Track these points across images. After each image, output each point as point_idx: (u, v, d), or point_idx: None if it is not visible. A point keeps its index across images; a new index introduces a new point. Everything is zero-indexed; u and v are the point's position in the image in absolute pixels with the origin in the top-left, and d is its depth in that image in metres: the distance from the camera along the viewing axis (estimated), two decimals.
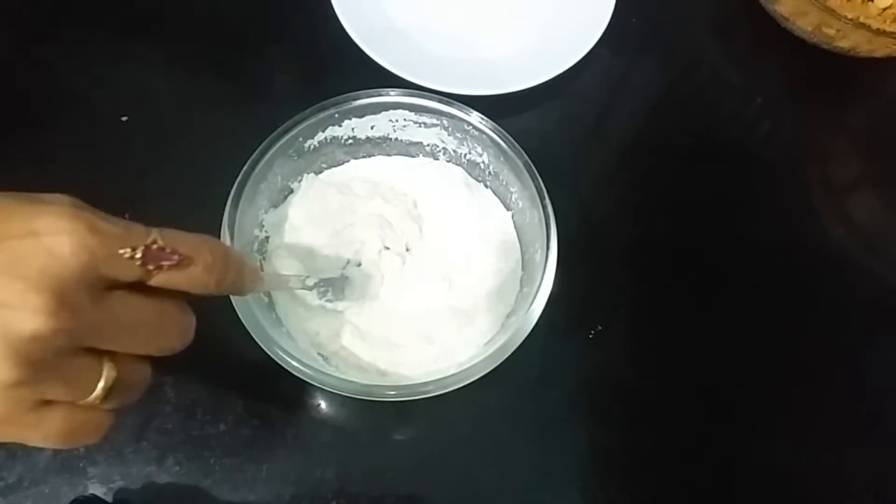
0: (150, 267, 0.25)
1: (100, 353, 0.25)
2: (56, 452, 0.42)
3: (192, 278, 0.27)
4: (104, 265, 0.24)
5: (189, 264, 0.26)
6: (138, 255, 0.25)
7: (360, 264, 0.44)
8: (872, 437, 0.48)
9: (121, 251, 0.24)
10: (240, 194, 0.40)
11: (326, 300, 0.42)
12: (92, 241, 0.24)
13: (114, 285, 0.25)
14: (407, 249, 0.45)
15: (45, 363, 0.23)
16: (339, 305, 0.42)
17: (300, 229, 0.44)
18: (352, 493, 0.42)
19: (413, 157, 0.48)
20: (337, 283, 0.42)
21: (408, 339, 0.43)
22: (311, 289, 0.40)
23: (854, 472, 0.46)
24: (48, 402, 0.24)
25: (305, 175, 0.46)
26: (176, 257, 0.26)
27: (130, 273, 0.25)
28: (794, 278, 0.52)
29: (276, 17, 0.42)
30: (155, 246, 0.25)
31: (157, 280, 0.26)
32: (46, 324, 0.22)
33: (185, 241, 0.26)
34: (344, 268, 0.43)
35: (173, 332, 0.27)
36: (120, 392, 0.26)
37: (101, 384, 0.25)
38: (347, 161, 0.47)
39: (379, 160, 0.47)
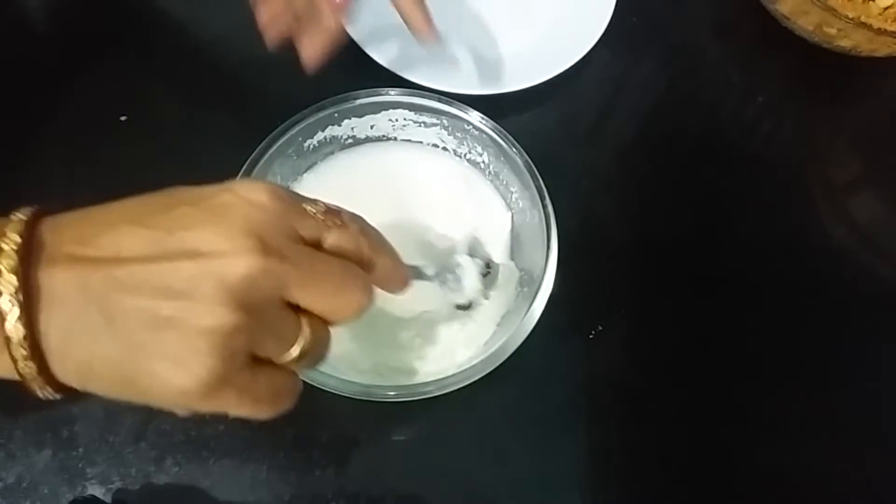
0: (329, 223, 0.27)
1: (297, 311, 0.26)
2: (55, 453, 0.41)
3: (353, 239, 0.28)
4: (295, 216, 0.26)
5: (348, 225, 0.28)
6: (321, 208, 0.28)
7: (487, 262, 0.43)
8: (874, 438, 0.48)
9: (306, 206, 0.27)
10: None
11: (451, 294, 0.41)
12: (284, 194, 0.26)
13: (304, 243, 0.27)
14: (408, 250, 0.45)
15: (258, 309, 0.24)
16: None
17: None
18: (351, 493, 0.42)
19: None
20: (455, 274, 0.41)
21: (408, 340, 0.43)
22: (429, 278, 0.39)
23: (854, 471, 0.46)
24: (256, 363, 0.25)
25: (305, 175, 0.45)
26: (342, 216, 0.28)
27: (314, 229, 0.27)
28: (795, 278, 0.52)
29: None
30: (325, 206, 0.28)
31: (331, 240, 0.27)
32: (257, 264, 0.24)
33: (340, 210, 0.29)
34: (464, 258, 0.42)
35: (356, 288, 0.28)
36: (312, 352, 0.27)
37: (301, 340, 0.26)
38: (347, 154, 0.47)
39: (383, 151, 0.47)
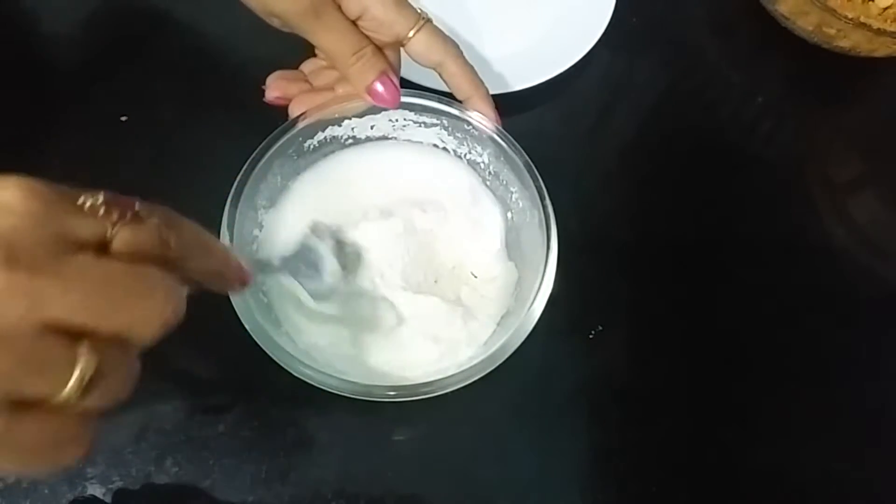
0: (114, 218, 0.22)
1: (74, 337, 0.21)
2: None
3: (150, 236, 0.23)
4: (63, 216, 0.21)
5: (148, 217, 0.24)
6: (100, 201, 0.22)
7: (338, 241, 0.42)
8: (873, 438, 0.48)
9: (80, 200, 0.22)
10: (239, 194, 0.40)
11: (307, 282, 0.40)
12: (44, 191, 0.21)
13: (78, 248, 0.22)
14: (407, 249, 0.45)
15: (6, 339, 0.19)
16: (326, 293, 0.41)
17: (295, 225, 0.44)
18: (351, 493, 0.42)
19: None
20: (308, 260, 0.40)
21: (408, 340, 0.42)
22: (278, 270, 0.39)
23: (855, 471, 0.46)
24: (20, 406, 0.20)
25: (303, 174, 0.45)
26: (137, 205, 0.23)
27: (93, 227, 0.22)
28: (795, 278, 0.52)
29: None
30: (111, 197, 0.23)
31: (119, 239, 0.22)
32: (1, 288, 0.19)
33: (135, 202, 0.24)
34: (311, 240, 0.41)
35: (152, 296, 0.22)
36: (101, 385, 0.21)
37: (76, 372, 0.21)
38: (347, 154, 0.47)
39: (382, 150, 0.47)
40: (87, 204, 0.22)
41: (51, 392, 0.20)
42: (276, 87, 0.43)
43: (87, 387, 0.21)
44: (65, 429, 0.21)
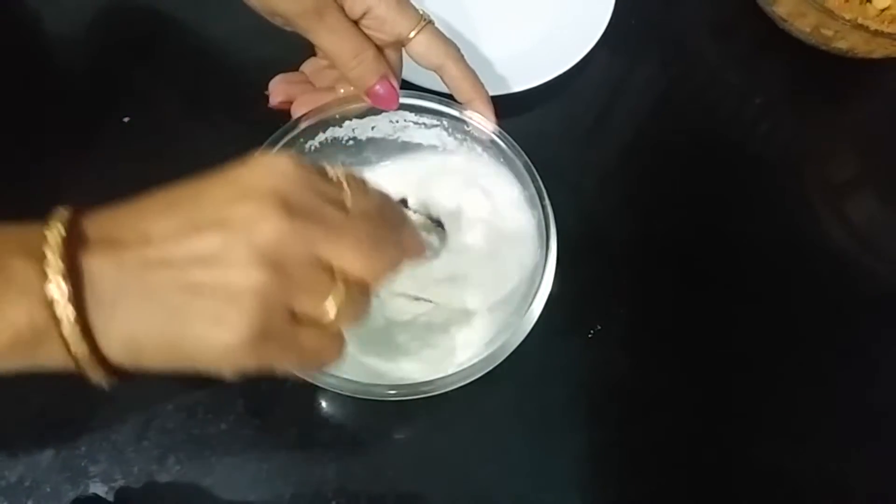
0: (352, 187, 0.29)
1: (330, 273, 0.27)
2: (57, 452, 0.42)
3: (377, 203, 0.30)
4: (319, 180, 0.28)
5: (370, 191, 0.31)
6: (344, 174, 0.29)
7: None
8: (873, 437, 0.48)
9: (329, 172, 0.29)
10: None
11: None
12: (305, 162, 0.28)
13: (331, 206, 0.28)
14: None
15: (289, 268, 0.26)
16: None
17: None
18: (352, 492, 0.42)
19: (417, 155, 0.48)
20: None
21: (408, 339, 0.43)
22: None
23: (855, 471, 0.47)
24: (297, 321, 0.27)
25: None
26: (365, 182, 0.30)
27: (338, 192, 0.29)
28: (794, 278, 0.52)
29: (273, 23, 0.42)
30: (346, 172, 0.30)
31: (355, 203, 0.29)
32: (284, 225, 0.26)
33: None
34: None
35: (386, 246, 0.29)
36: (349, 310, 0.28)
37: (335, 296, 0.27)
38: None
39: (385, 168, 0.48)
40: (334, 175, 0.29)
41: (317, 309, 0.27)
42: (279, 92, 0.43)
43: (340, 308, 0.27)
44: (326, 338, 0.28)
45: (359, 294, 0.28)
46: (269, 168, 0.27)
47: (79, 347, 0.25)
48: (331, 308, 0.27)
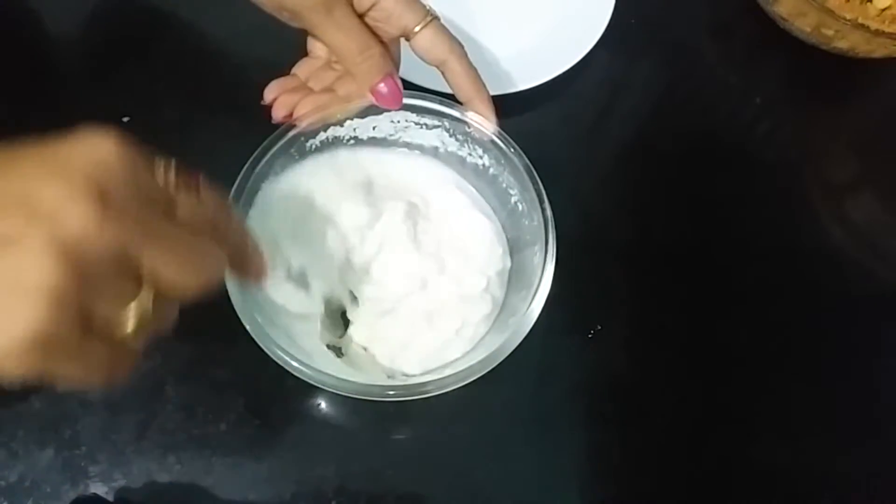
0: (183, 189, 0.26)
1: (138, 279, 0.25)
2: (57, 452, 0.42)
3: (208, 211, 0.27)
4: (145, 176, 0.25)
5: (205, 196, 0.28)
6: (172, 168, 0.26)
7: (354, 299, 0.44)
8: (873, 437, 0.48)
9: (159, 168, 0.26)
10: (240, 194, 0.40)
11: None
12: (133, 151, 0.25)
13: (152, 204, 0.25)
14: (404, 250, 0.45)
15: (90, 268, 0.23)
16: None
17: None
18: (352, 491, 0.43)
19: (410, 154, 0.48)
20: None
21: (406, 340, 0.43)
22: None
23: (855, 471, 0.47)
24: (89, 333, 0.24)
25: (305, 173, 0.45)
26: (200, 185, 0.27)
27: (165, 193, 0.26)
28: (794, 278, 0.52)
29: (277, 18, 0.42)
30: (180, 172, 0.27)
31: (183, 207, 0.26)
32: (94, 220, 0.22)
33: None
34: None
35: (205, 261, 0.27)
36: (149, 325, 0.26)
37: (135, 305, 0.25)
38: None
39: (370, 155, 0.47)
40: (161, 169, 0.26)
41: (113, 315, 0.25)
42: (281, 106, 0.43)
43: (140, 322, 0.25)
44: (118, 353, 0.26)
45: (163, 309, 0.26)
46: (91, 148, 0.24)
47: None
48: (130, 319, 0.25)
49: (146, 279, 0.25)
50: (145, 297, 0.25)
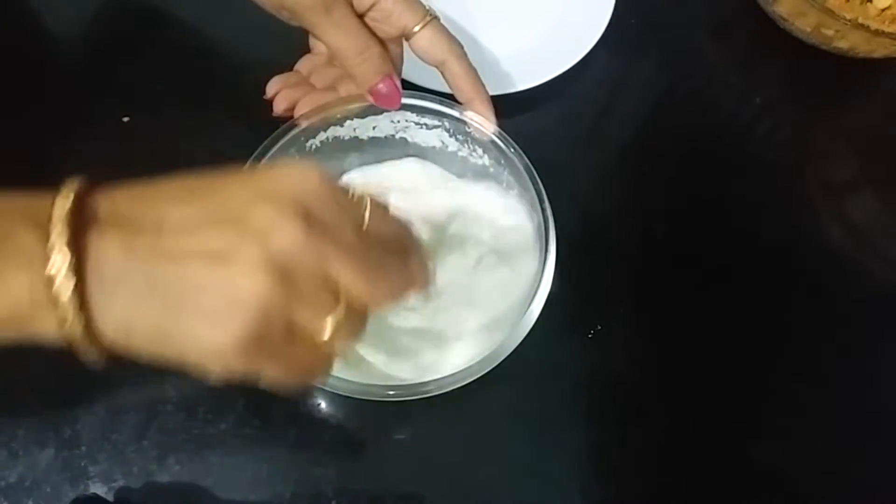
0: (366, 210, 0.28)
1: (335, 292, 0.27)
2: (57, 452, 0.42)
3: (394, 231, 0.30)
4: (342, 198, 0.28)
5: (390, 217, 0.30)
6: (362, 195, 0.29)
7: None
8: (873, 437, 0.48)
9: (350, 190, 0.29)
10: None
11: None
12: (331, 177, 0.28)
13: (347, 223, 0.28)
14: None
15: (296, 280, 0.25)
16: None
17: None
18: (352, 491, 0.42)
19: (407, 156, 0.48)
20: None
21: (406, 340, 0.43)
22: None
23: (854, 471, 0.47)
24: (291, 338, 0.26)
25: None
26: (387, 207, 0.30)
27: (359, 212, 0.28)
28: (794, 278, 0.52)
29: (278, 18, 0.42)
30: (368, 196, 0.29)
31: (373, 226, 0.28)
32: (301, 236, 0.25)
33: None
34: None
35: (396, 274, 0.29)
36: (345, 331, 0.27)
37: (333, 316, 0.27)
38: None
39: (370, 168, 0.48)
40: (354, 195, 0.29)
41: (315, 326, 0.27)
42: (282, 99, 0.43)
43: (337, 328, 0.27)
44: (316, 356, 0.28)
45: (356, 318, 0.28)
46: (296, 176, 0.27)
47: (74, 322, 0.24)
48: (327, 328, 0.27)
49: (342, 293, 0.27)
50: (341, 310, 0.27)
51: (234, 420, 0.43)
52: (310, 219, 0.25)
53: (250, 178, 0.27)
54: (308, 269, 0.25)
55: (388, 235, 0.29)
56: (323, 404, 0.45)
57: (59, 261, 0.23)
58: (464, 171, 0.48)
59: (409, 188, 0.47)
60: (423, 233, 0.46)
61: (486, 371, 0.37)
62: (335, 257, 0.26)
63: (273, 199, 0.26)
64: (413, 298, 0.32)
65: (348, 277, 0.27)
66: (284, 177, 0.27)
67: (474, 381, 0.37)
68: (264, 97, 0.43)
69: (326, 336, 0.27)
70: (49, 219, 0.24)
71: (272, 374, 0.27)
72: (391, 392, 0.37)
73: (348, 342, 0.29)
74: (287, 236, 0.25)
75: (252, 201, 0.26)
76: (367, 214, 0.28)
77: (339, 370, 0.40)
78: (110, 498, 0.41)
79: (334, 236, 0.26)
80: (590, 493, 0.45)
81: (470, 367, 0.37)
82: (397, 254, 0.30)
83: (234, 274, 0.25)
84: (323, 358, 0.29)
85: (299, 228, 0.25)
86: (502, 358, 0.38)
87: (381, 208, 0.29)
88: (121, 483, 0.42)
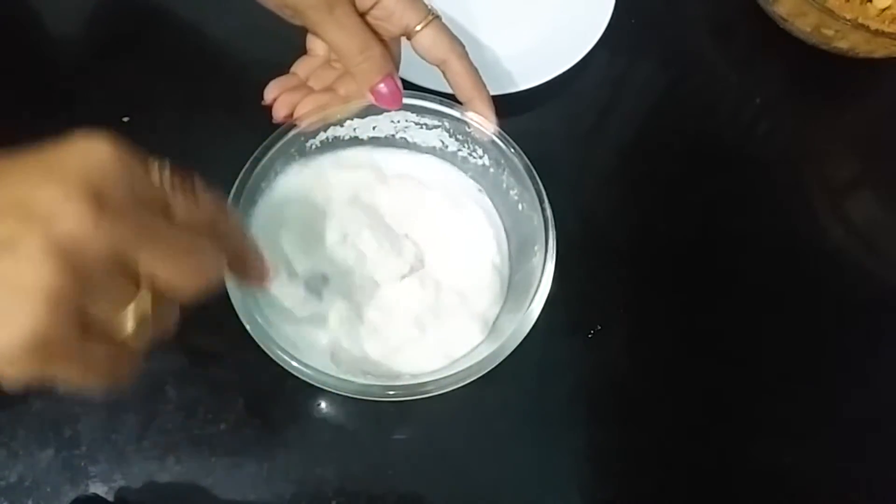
0: (178, 189, 0.26)
1: (135, 280, 0.25)
2: (57, 452, 0.42)
3: (205, 212, 0.27)
4: (140, 176, 0.25)
5: (201, 197, 0.27)
6: (167, 169, 0.26)
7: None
8: (872, 437, 0.48)
9: (154, 170, 0.26)
10: (240, 194, 0.40)
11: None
12: (127, 153, 0.25)
13: (148, 205, 0.25)
14: (403, 251, 0.45)
15: (88, 270, 0.23)
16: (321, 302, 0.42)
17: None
18: (352, 491, 0.43)
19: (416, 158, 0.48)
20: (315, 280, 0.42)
21: (406, 340, 0.43)
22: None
23: (854, 471, 0.47)
24: (88, 332, 0.24)
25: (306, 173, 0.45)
26: (195, 185, 0.27)
27: (161, 192, 0.26)
28: (793, 278, 0.52)
29: (278, 17, 0.42)
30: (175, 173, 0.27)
31: (183, 207, 0.26)
32: (90, 221, 0.22)
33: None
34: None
35: (203, 260, 0.27)
36: (149, 325, 0.26)
37: (133, 306, 0.25)
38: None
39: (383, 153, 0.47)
40: (157, 170, 0.26)
41: (112, 316, 0.25)
42: (282, 105, 0.43)
43: (140, 322, 0.25)
44: (118, 355, 0.26)
45: (163, 310, 0.26)
46: (86, 151, 0.24)
47: None
48: (129, 320, 0.25)
49: (144, 280, 0.25)
50: (144, 299, 0.25)
51: (233, 420, 0.43)
52: (100, 199, 0.23)
53: (36, 157, 0.24)
54: (98, 254, 0.23)
55: (199, 219, 0.27)
56: (323, 404, 0.45)
57: None
58: (464, 170, 0.48)
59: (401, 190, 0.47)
60: (420, 229, 0.46)
61: (487, 371, 0.37)
62: (132, 239, 0.24)
63: (60, 180, 0.23)
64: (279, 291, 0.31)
65: (149, 263, 0.24)
66: (74, 154, 0.24)
67: (474, 381, 0.37)
68: (262, 103, 0.43)
69: (128, 329, 0.25)
70: None
71: (69, 376, 0.24)
72: (391, 392, 0.37)
73: (155, 337, 0.26)
74: (73, 220, 0.22)
75: (38, 182, 0.23)
76: (173, 195, 0.26)
77: (337, 370, 0.40)
78: (110, 498, 0.41)
79: (129, 217, 0.24)
80: (590, 493, 0.45)
81: (470, 367, 0.37)
82: (209, 236, 0.27)
83: (16, 265, 0.22)
84: (127, 356, 0.26)
85: (87, 210, 0.23)
86: (502, 358, 0.38)
87: (189, 186, 0.27)
88: (121, 483, 0.42)
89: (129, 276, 0.25)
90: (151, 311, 0.25)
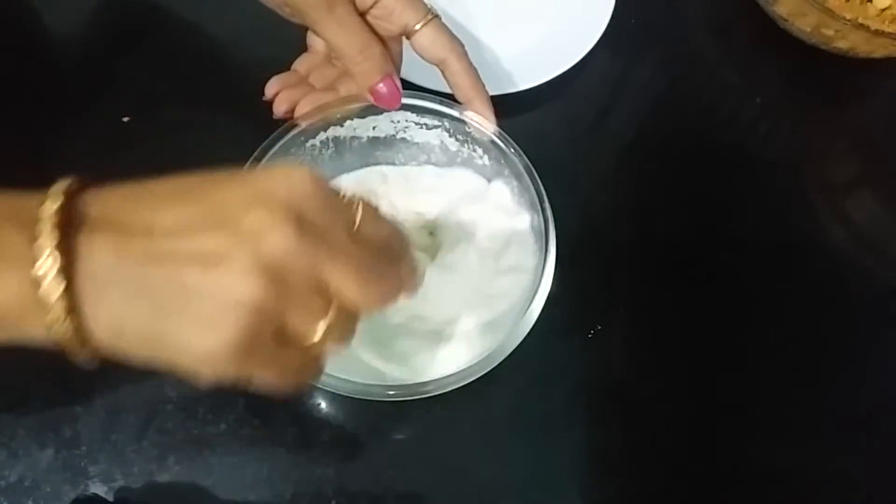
0: (359, 214, 0.28)
1: (327, 296, 0.27)
2: (57, 452, 0.42)
3: (385, 234, 0.30)
4: (334, 201, 0.28)
5: (382, 221, 0.30)
6: (358, 199, 0.29)
7: None
8: (872, 437, 0.48)
9: (341, 193, 0.28)
10: None
11: None
12: (324, 180, 0.27)
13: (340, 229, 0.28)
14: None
15: (288, 285, 0.25)
16: None
17: None
18: (352, 492, 0.42)
19: (416, 158, 0.48)
20: None
21: (406, 340, 0.43)
22: None
23: (854, 471, 0.47)
24: (282, 339, 0.26)
25: None
26: (378, 211, 0.30)
27: (351, 215, 0.28)
28: (794, 278, 0.52)
29: (278, 17, 0.42)
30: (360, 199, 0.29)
31: (368, 231, 0.28)
32: (293, 241, 0.25)
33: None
34: None
35: (388, 278, 0.29)
36: (336, 335, 0.27)
37: (324, 321, 0.27)
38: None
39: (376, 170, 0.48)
40: (346, 198, 0.28)
41: (307, 330, 0.27)
42: (282, 101, 0.43)
43: (328, 332, 0.27)
44: (307, 360, 0.28)
45: (347, 322, 0.28)
46: (288, 178, 0.26)
47: (64, 325, 0.24)
48: (318, 331, 0.27)
49: (334, 297, 0.27)
50: (332, 312, 0.27)
51: (234, 420, 0.43)
52: (302, 222, 0.25)
53: (243, 180, 0.27)
54: (300, 272, 0.25)
55: (379, 238, 0.29)
56: (323, 404, 0.45)
57: (48, 263, 0.23)
58: (464, 170, 0.48)
59: (401, 191, 0.47)
60: (420, 235, 0.46)
61: (487, 371, 0.37)
62: (327, 261, 0.26)
63: (266, 202, 0.25)
64: (403, 300, 0.32)
65: (339, 281, 0.26)
66: (277, 179, 0.26)
67: (474, 381, 0.37)
68: (263, 98, 0.43)
69: (317, 339, 0.27)
70: (36, 219, 0.24)
71: (263, 377, 0.27)
72: (391, 392, 0.37)
73: (338, 345, 0.28)
74: (279, 240, 0.25)
75: (244, 204, 0.25)
76: (358, 217, 0.28)
77: (336, 370, 0.40)
78: (110, 498, 0.41)
79: (326, 240, 0.26)
80: (590, 493, 0.45)
81: (470, 367, 0.37)
82: (388, 256, 0.29)
83: (226, 277, 0.24)
84: (314, 361, 0.29)
85: (291, 232, 0.25)
86: (502, 358, 0.38)
87: (371, 210, 0.29)
88: (121, 483, 0.42)
89: (321, 292, 0.26)
90: (335, 322, 0.27)
